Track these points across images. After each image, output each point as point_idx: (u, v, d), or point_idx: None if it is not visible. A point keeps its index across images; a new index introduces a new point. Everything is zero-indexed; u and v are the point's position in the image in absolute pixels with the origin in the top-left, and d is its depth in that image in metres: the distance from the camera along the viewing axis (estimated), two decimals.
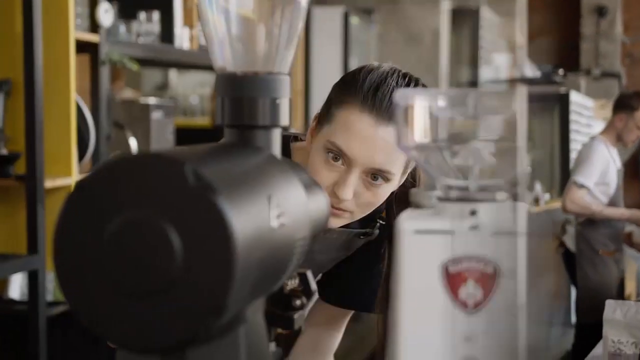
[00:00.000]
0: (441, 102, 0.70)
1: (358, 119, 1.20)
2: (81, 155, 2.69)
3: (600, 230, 4.36)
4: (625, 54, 9.45)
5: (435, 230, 0.68)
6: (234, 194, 0.63)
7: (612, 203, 4.34)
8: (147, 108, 3.18)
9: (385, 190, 1.25)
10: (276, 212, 0.69)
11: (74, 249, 0.63)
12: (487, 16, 6.78)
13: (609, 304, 1.82)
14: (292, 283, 0.81)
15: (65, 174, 2.59)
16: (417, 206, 0.76)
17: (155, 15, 3.16)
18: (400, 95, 0.70)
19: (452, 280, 0.67)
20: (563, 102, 6.37)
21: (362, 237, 1.38)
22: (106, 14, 2.75)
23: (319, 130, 1.25)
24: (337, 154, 1.21)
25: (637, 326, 1.76)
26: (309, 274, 0.83)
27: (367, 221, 1.34)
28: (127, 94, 3.99)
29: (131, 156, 0.63)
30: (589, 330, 4.34)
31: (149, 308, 0.60)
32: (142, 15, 3.13)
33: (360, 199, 1.23)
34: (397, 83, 1.23)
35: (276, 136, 0.79)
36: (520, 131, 0.68)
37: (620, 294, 4.39)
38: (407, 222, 0.69)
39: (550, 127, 6.40)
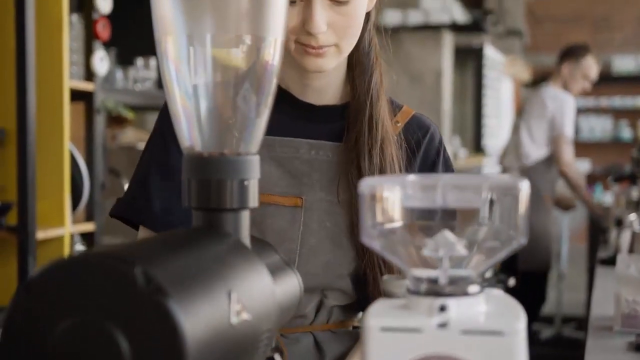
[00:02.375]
0: (408, 191, 0.67)
1: None
2: (75, 205, 2.67)
3: (548, 176, 4.42)
4: (529, 13, 9.55)
5: (402, 328, 0.65)
6: (187, 295, 0.60)
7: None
8: None
9: (358, 7, 1.17)
10: (237, 307, 0.66)
11: (20, 352, 0.60)
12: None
13: (621, 258, 1.65)
14: None
15: (59, 225, 2.56)
16: (389, 295, 0.73)
17: (153, 61, 3.15)
18: (366, 183, 0.67)
19: None
20: (477, 56, 6.40)
21: None
22: (102, 62, 2.74)
23: None
24: None
25: None
26: (277, 358, 0.80)
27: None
28: (130, 134, 3.98)
29: (81, 255, 0.60)
30: (529, 277, 4.38)
31: None
32: (140, 61, 3.12)
33: (336, 27, 1.16)
34: None
35: (245, 218, 0.76)
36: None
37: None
38: (374, 319, 0.66)
39: (462, 79, 6.45)
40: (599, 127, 9.99)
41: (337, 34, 1.16)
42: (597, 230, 4.67)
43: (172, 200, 1.21)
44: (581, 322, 5.08)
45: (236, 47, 0.75)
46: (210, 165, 0.74)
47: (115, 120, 3.52)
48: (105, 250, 0.60)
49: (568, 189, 4.71)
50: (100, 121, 2.77)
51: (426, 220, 0.69)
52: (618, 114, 9.95)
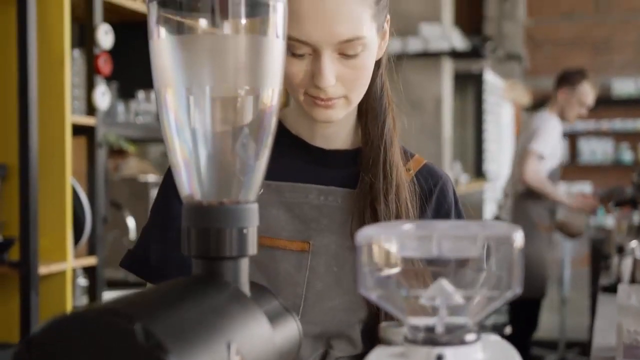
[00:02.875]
0: (404, 241, 0.68)
1: (299, 0, 1.10)
2: (77, 239, 2.68)
3: (539, 204, 4.41)
4: (528, 37, 9.63)
5: None
6: (187, 349, 0.60)
7: (550, 178, 4.43)
8: (146, 186, 3.18)
9: (367, 59, 1.15)
10: (236, 359, 0.67)
11: None
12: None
13: (623, 288, 1.64)
14: None
15: (61, 259, 2.57)
16: (387, 343, 0.74)
17: (153, 94, 3.17)
18: (362, 234, 0.68)
19: None
20: (477, 81, 6.44)
21: None
22: (103, 97, 2.76)
23: None
24: (298, 47, 1.11)
25: None
26: None
27: None
28: (132, 164, 4.00)
29: (81, 312, 0.61)
30: (520, 307, 4.35)
31: None
32: (141, 94, 3.14)
33: (345, 80, 1.15)
34: None
35: (244, 266, 0.77)
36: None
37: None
38: None
39: (463, 105, 6.48)
40: (600, 150, 10.01)
41: (346, 87, 1.15)
42: (599, 255, 4.66)
43: (168, 252, 1.23)
44: (585, 347, 5.06)
45: (235, 98, 0.76)
46: (210, 215, 0.75)
47: (118, 151, 3.54)
48: (105, 306, 0.61)
49: (573, 214, 4.71)
50: (101, 155, 2.78)
51: (423, 269, 0.70)
52: (619, 136, 9.97)
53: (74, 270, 2.72)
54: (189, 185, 0.77)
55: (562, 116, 4.52)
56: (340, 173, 1.26)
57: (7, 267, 2.46)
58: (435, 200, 1.28)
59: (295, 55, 1.13)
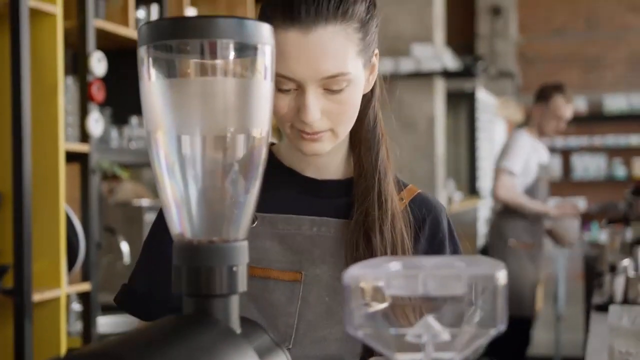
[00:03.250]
0: (391, 280, 0.69)
1: (284, 37, 1.11)
2: (71, 265, 2.68)
3: (515, 221, 4.41)
4: (520, 54, 9.71)
5: None
6: None
7: (529, 194, 4.44)
8: (140, 210, 3.19)
9: (352, 94, 1.16)
10: None
11: None
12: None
13: (614, 309, 1.63)
14: None
15: (55, 286, 2.58)
16: None
17: None
18: (349, 275, 0.70)
19: None
20: (470, 100, 6.48)
21: None
22: (96, 124, 2.78)
23: None
24: (283, 83, 1.13)
25: None
26: None
27: None
28: (127, 187, 4.00)
29: (72, 355, 0.62)
30: (510, 325, 4.31)
31: None
32: (134, 119, 3.16)
33: (330, 114, 1.15)
34: None
35: (234, 303, 0.78)
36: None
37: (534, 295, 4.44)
38: None
39: (456, 123, 6.52)
40: (594, 166, 10.05)
41: (331, 120, 1.16)
42: (593, 272, 4.66)
43: (154, 289, 1.25)
44: None
45: (224, 137, 0.78)
46: (200, 253, 0.77)
47: (113, 175, 3.55)
48: (95, 348, 0.62)
49: (562, 223, 4.71)
50: (95, 182, 2.80)
51: (409, 306, 0.71)
52: (612, 152, 10.02)
53: (68, 297, 2.73)
54: (179, 224, 0.79)
55: (541, 132, 4.53)
56: (333, 203, 1.27)
57: (1, 294, 2.47)
58: (428, 229, 1.29)
59: (281, 90, 1.14)
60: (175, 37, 0.77)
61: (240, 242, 0.78)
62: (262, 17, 1.15)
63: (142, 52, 0.77)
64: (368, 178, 1.26)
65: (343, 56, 1.13)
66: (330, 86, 1.14)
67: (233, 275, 0.77)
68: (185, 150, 0.77)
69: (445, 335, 0.70)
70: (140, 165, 3.42)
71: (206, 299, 0.77)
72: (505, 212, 4.44)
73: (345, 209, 1.26)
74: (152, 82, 0.78)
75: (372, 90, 1.27)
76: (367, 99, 1.24)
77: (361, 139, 1.28)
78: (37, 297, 2.48)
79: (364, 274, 0.69)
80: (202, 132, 0.77)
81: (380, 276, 0.69)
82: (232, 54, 0.77)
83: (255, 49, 0.78)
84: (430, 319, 0.70)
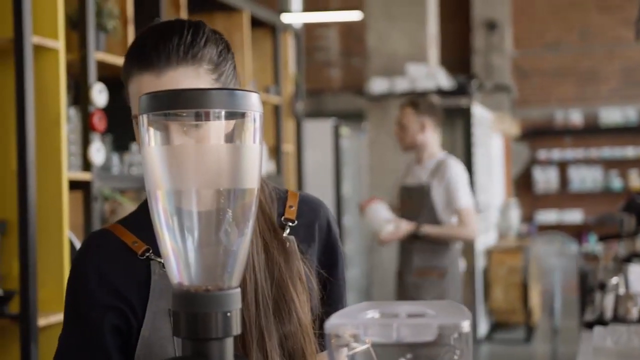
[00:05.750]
0: (367, 330, 0.78)
1: (139, 80, 1.20)
2: None
3: (421, 248, 4.10)
4: (515, 68, 9.80)
5: None
6: None
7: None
8: None
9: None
10: None
11: None
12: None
13: (598, 331, 1.67)
14: None
15: (60, 311, 2.65)
16: None
17: None
18: (330, 324, 0.78)
19: None
20: (465, 115, 6.56)
21: None
22: (98, 153, 2.86)
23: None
24: None
25: (631, 354, 1.61)
26: None
27: None
28: (129, 208, 4.07)
29: None
30: None
31: None
32: (134, 146, 3.25)
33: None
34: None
35: (229, 345, 0.86)
36: None
37: None
38: None
39: (452, 138, 6.58)
40: (590, 178, 10.13)
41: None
42: (587, 286, 4.72)
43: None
44: None
45: (218, 197, 0.86)
46: (197, 301, 0.85)
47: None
48: None
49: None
50: (97, 209, 2.88)
51: (386, 352, 0.79)
52: (608, 164, 10.11)
53: None
54: (178, 274, 0.87)
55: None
56: None
57: (7, 319, 2.55)
58: (318, 232, 1.34)
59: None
60: (171, 107, 0.86)
61: (233, 289, 0.87)
62: (124, 68, 1.24)
63: (142, 120, 0.86)
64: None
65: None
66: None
67: (228, 320, 0.86)
68: (182, 208, 0.86)
69: None
70: (141, 189, 3.51)
71: (203, 342, 0.85)
72: (412, 239, 4.10)
73: None
74: (151, 147, 0.86)
75: None
76: None
77: None
78: (42, 321, 2.56)
79: (342, 324, 0.78)
80: (197, 191, 0.86)
81: (357, 325, 0.78)
82: (223, 121, 0.86)
83: (244, 115, 0.86)
84: None
